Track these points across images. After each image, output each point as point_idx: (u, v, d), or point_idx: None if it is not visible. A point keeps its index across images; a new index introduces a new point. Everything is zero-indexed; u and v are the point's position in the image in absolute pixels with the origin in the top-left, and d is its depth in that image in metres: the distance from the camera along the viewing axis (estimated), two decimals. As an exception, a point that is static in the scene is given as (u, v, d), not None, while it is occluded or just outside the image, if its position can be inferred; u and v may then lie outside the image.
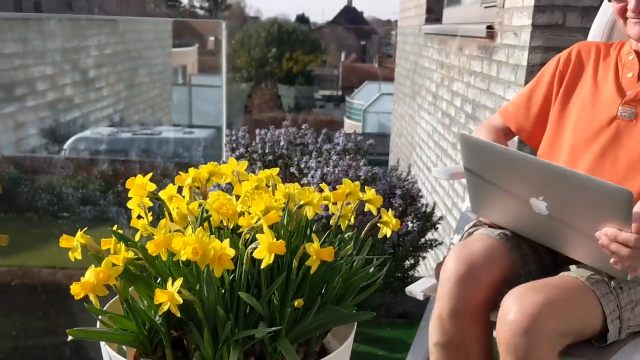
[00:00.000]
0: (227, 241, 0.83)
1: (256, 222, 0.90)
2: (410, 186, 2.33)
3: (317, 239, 0.91)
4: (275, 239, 0.85)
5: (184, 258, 0.81)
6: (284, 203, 0.95)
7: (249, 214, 0.96)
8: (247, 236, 0.90)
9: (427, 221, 2.36)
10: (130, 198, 0.99)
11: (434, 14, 5.32)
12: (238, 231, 0.94)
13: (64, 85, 4.74)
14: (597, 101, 1.46)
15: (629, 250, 1.14)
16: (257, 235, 0.85)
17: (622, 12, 1.43)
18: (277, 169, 1.09)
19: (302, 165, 2.31)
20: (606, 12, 1.86)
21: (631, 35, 1.43)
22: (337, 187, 1.04)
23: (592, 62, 1.53)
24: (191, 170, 1.01)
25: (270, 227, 0.90)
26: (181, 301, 0.81)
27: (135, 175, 0.99)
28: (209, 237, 0.82)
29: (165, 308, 0.81)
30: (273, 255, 0.84)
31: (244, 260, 0.87)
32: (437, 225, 2.46)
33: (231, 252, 0.82)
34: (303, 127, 2.61)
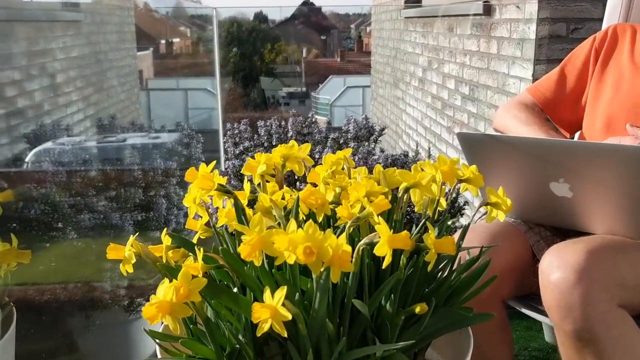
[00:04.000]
0: (343, 236, 0.65)
1: (360, 211, 0.72)
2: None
3: (432, 228, 0.74)
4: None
5: (291, 260, 0.63)
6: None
7: (334, 204, 0.78)
8: (350, 230, 0.72)
9: (452, 208, 2.22)
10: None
11: (413, -3, 5.22)
12: (335, 224, 0.77)
13: (32, 91, 4.47)
14: (634, 76, 1.43)
15: None
16: (377, 227, 0.68)
17: None
18: (351, 150, 0.92)
19: (317, 156, 2.14)
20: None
21: None
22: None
23: (629, 40, 1.50)
24: (261, 155, 0.83)
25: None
26: (289, 317, 0.63)
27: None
28: (323, 233, 0.64)
29: (267, 327, 0.63)
30: (391, 251, 0.67)
31: (354, 260, 0.69)
32: (463, 212, 2.32)
33: (349, 250, 0.65)
34: (309, 115, 2.44)
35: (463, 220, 3.11)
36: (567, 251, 1.10)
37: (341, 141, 2.44)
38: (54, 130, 5.18)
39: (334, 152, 2.43)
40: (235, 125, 2.38)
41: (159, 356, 0.80)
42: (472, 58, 3.35)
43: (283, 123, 2.39)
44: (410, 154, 2.51)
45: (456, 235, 1.28)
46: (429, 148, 4.01)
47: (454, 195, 2.13)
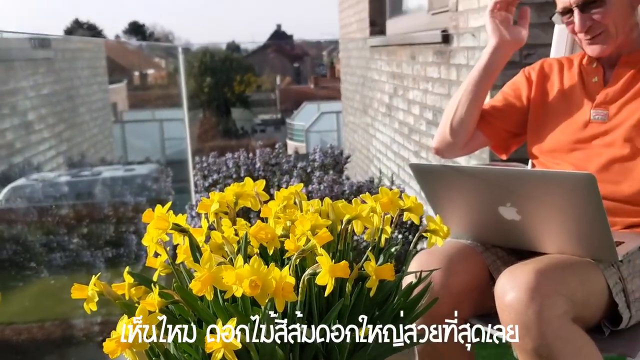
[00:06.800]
0: (286, 269, 0.72)
1: (306, 243, 0.79)
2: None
3: (373, 257, 0.81)
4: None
5: (239, 294, 0.69)
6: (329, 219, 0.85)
7: (285, 238, 0.85)
8: (297, 261, 0.78)
9: (417, 231, 2.30)
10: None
11: (377, 26, 5.32)
12: (284, 257, 0.83)
13: (3, 130, 4.47)
14: (568, 108, 1.51)
15: None
16: (318, 258, 0.74)
17: (574, 31, 1.46)
18: (302, 185, 0.98)
19: (284, 186, 2.20)
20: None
21: (589, 53, 1.48)
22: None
23: (557, 73, 1.57)
24: (215, 194, 0.89)
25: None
26: (239, 346, 0.69)
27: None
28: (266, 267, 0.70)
29: (219, 356, 0.69)
30: (333, 280, 0.73)
31: (300, 290, 0.76)
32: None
33: (292, 281, 0.71)
34: (277, 146, 2.51)
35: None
36: (519, 273, 1.16)
37: (308, 170, 2.51)
38: (25, 168, 5.17)
39: (301, 181, 2.50)
40: (203, 159, 2.44)
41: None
42: (434, 85, 3.43)
43: (251, 155, 2.45)
44: (376, 181, 2.59)
45: (414, 260, 1.35)
46: (392, 175, 4.09)
47: (411, 223, 2.19)
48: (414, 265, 1.31)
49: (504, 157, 1.68)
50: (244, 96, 30.25)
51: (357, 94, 6.20)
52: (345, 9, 6.55)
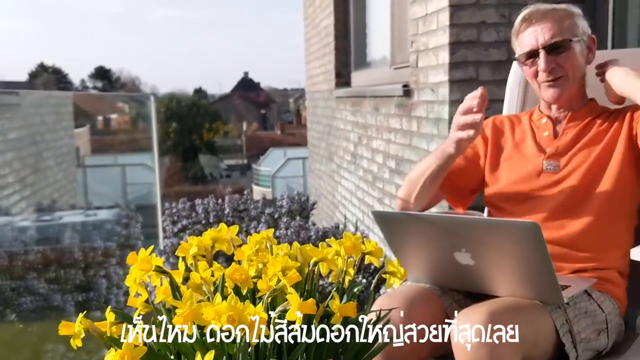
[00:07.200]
0: (260, 305, 0.80)
1: (276, 283, 0.87)
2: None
3: (337, 296, 0.90)
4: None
5: (217, 328, 0.77)
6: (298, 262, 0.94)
7: (257, 278, 0.93)
8: (269, 300, 0.87)
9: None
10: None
11: (343, 78, 5.50)
12: (257, 295, 0.91)
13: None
14: (521, 160, 1.62)
15: None
16: (288, 297, 0.83)
17: (535, 76, 1.56)
18: (272, 230, 1.08)
19: (252, 231, 2.28)
20: (517, 74, 1.98)
21: (545, 98, 1.59)
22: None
23: (508, 129, 1.69)
24: (193, 238, 0.98)
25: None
26: (217, 375, 0.77)
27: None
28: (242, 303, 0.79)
29: (199, 385, 0.76)
30: (301, 316, 0.82)
31: (272, 324, 0.84)
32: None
33: (265, 317, 0.80)
34: (245, 192, 2.59)
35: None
36: (472, 314, 1.25)
37: (276, 216, 2.59)
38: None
39: (269, 227, 2.59)
40: (173, 205, 2.51)
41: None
42: (396, 135, 3.54)
43: (220, 201, 2.53)
44: (341, 226, 2.69)
45: (376, 302, 1.43)
46: (357, 221, 4.18)
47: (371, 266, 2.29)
48: (375, 307, 1.39)
49: (462, 210, 1.78)
50: (210, 142, 30.34)
51: (323, 141, 6.33)
52: (311, 60, 6.74)
